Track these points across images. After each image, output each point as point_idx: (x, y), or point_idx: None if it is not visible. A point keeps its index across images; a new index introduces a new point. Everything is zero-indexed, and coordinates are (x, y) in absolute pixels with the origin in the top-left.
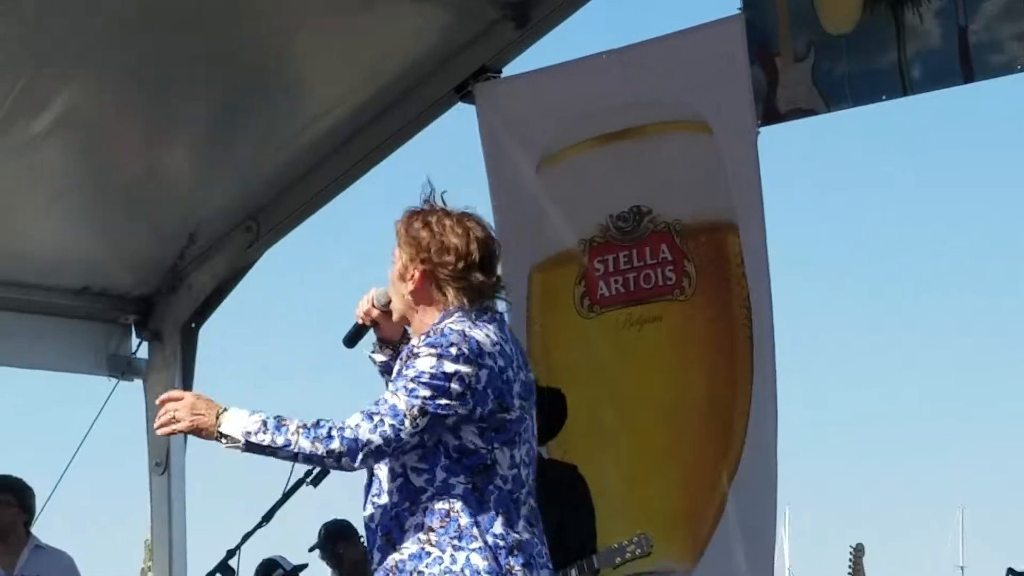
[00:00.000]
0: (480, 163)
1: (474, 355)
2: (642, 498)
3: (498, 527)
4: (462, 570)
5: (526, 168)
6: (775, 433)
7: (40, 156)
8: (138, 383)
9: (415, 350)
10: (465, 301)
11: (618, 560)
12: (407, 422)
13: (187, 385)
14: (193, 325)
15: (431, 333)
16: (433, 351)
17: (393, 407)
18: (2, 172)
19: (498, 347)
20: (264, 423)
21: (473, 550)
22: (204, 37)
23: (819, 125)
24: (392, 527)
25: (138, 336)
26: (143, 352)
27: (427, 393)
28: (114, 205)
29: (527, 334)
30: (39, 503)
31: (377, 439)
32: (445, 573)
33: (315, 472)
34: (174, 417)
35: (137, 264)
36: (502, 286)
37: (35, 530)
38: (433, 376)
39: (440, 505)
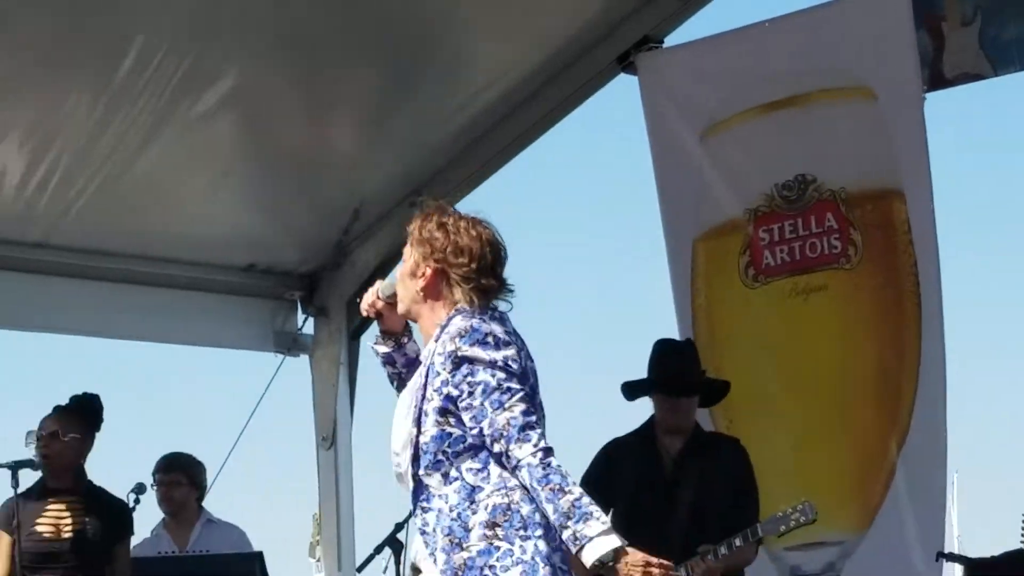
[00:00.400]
0: (641, 134)
1: (505, 338)
2: (810, 469)
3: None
4: (532, 558)
5: (689, 138)
6: (944, 400)
7: (206, 135)
8: (304, 358)
9: (460, 354)
10: (474, 300)
11: (782, 528)
12: (533, 418)
13: (352, 361)
14: (358, 300)
15: (462, 333)
16: (475, 344)
17: (515, 419)
18: (169, 151)
19: (511, 336)
20: (579, 519)
21: (539, 537)
22: (368, 9)
23: (986, 90)
24: (455, 527)
25: (304, 312)
26: (309, 328)
27: (514, 384)
28: (280, 182)
29: (691, 306)
30: (210, 478)
31: (545, 442)
32: (518, 564)
33: None
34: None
35: (302, 241)
36: (509, 289)
37: (206, 504)
38: (498, 368)
39: (499, 500)
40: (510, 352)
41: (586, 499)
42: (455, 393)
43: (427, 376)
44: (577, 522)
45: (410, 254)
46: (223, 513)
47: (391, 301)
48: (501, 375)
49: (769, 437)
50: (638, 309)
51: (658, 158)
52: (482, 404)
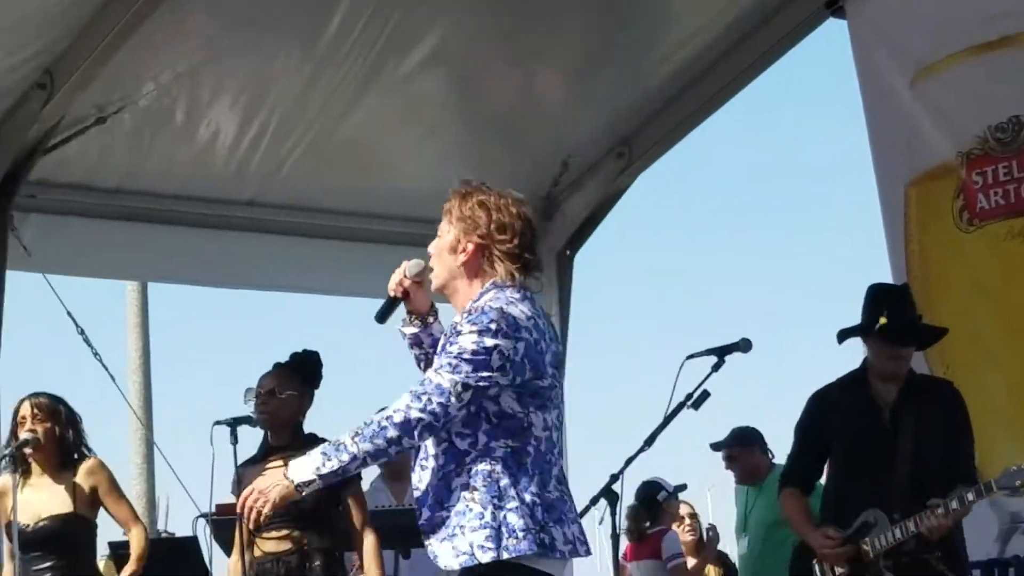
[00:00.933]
0: (848, 80)
1: (511, 329)
2: None
3: (534, 487)
4: (499, 527)
5: (900, 82)
6: None
7: (414, 91)
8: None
9: (457, 327)
10: (515, 276)
11: (1018, 483)
12: (453, 398)
13: (564, 313)
14: (568, 252)
15: (472, 311)
16: (474, 328)
17: (438, 386)
18: (378, 109)
19: (532, 321)
20: (324, 454)
21: (511, 509)
22: None
23: None
24: (440, 487)
25: None
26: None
27: (469, 368)
28: (488, 135)
29: (904, 251)
30: None
31: (427, 417)
32: (485, 527)
33: (696, 396)
34: (261, 503)
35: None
36: (540, 268)
37: None
38: (475, 352)
39: (483, 467)
40: (504, 343)
41: (344, 456)
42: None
43: (447, 343)
44: (327, 451)
45: (448, 230)
46: None
47: (419, 280)
48: (469, 355)
49: (985, 381)
50: (850, 258)
51: (868, 102)
52: (442, 357)
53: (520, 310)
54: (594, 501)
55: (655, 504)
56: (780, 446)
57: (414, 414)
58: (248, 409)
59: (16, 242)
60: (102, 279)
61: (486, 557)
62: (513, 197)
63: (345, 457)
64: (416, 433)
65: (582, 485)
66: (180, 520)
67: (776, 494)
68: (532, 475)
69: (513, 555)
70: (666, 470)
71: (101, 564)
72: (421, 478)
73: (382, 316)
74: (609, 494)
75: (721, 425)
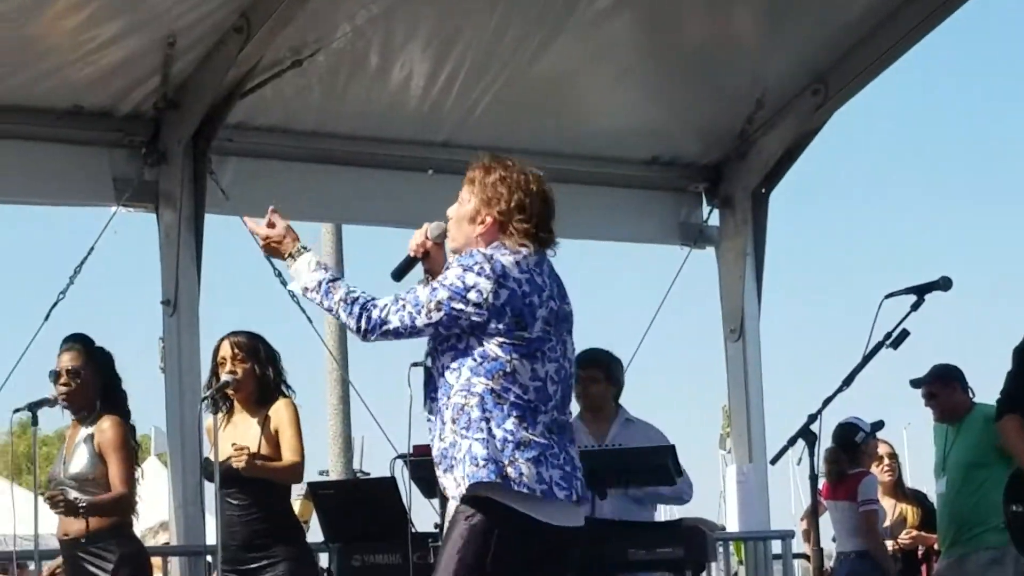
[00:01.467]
0: None
1: (496, 274)
2: None
3: (509, 424)
4: (464, 456)
5: None
6: None
7: (605, 32)
8: (710, 251)
9: (448, 264)
10: (525, 247)
11: None
12: (423, 312)
13: (759, 252)
14: (763, 191)
15: (466, 253)
16: (460, 265)
17: (416, 298)
18: (569, 51)
19: (527, 275)
20: (319, 284)
21: (476, 440)
22: None
23: None
24: (438, 418)
25: (708, 204)
26: (714, 220)
27: (446, 294)
28: (681, 74)
29: None
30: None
31: (396, 322)
32: (465, 458)
33: (896, 334)
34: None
35: (705, 132)
36: (555, 242)
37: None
38: (453, 284)
39: (458, 400)
40: (483, 283)
41: (325, 291)
42: None
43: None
44: (327, 281)
45: (469, 199)
46: (632, 406)
47: (440, 242)
48: (448, 284)
49: None
50: None
51: None
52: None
53: (514, 260)
54: (792, 442)
55: (853, 446)
56: (980, 386)
57: (387, 315)
58: None
59: (214, 185)
60: (297, 222)
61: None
62: (534, 174)
63: (327, 304)
64: (378, 332)
65: (778, 425)
66: (375, 461)
67: (976, 434)
68: (508, 415)
69: (472, 481)
70: (863, 409)
71: (297, 504)
72: (432, 408)
73: (400, 274)
74: (807, 434)
75: (918, 365)
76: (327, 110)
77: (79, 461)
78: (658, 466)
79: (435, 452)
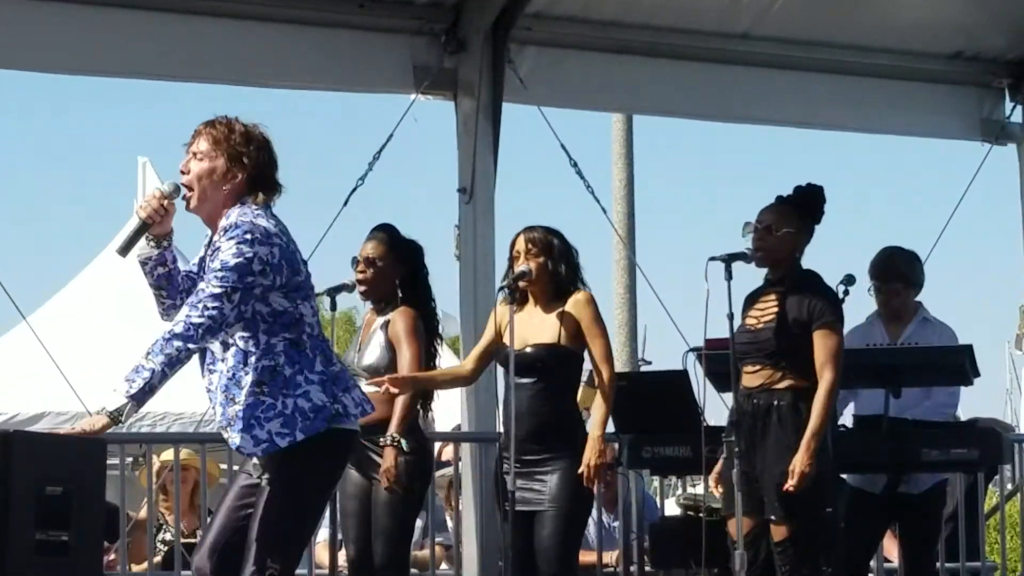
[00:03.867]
0: None
1: (264, 237)
2: None
3: (319, 365)
4: (292, 413)
5: None
6: None
7: None
8: (1011, 148)
9: (217, 244)
10: (259, 198)
11: None
12: (225, 302)
13: None
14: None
15: (227, 228)
16: (232, 240)
17: (211, 294)
18: None
19: (279, 227)
20: (128, 379)
21: (298, 395)
22: None
23: None
24: (230, 386)
25: (1012, 100)
26: (1016, 116)
27: (235, 276)
28: None
29: None
30: None
31: (206, 321)
32: (279, 416)
33: None
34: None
35: (1012, 27)
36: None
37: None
38: (237, 260)
39: (266, 363)
40: (261, 250)
41: (145, 373)
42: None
43: (209, 260)
44: (130, 376)
45: (215, 155)
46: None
47: (174, 199)
48: (232, 265)
49: None
50: None
51: None
52: (209, 272)
53: (267, 222)
54: None
55: None
56: None
57: (195, 320)
58: (743, 244)
59: (512, 74)
60: (587, 111)
61: (284, 442)
62: (262, 128)
63: (146, 375)
64: (199, 336)
65: None
66: (658, 349)
67: None
68: (314, 357)
69: (308, 434)
70: None
71: (579, 391)
72: (211, 380)
73: (127, 249)
74: None
75: None
76: (626, 0)
77: (372, 352)
78: (956, 366)
79: (222, 414)
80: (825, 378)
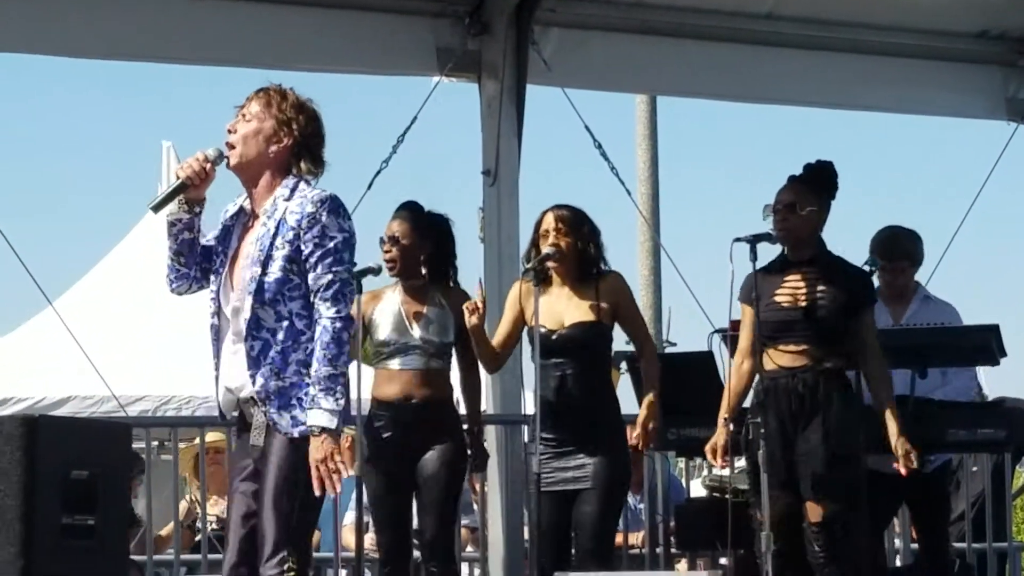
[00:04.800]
0: None
1: (347, 215)
2: None
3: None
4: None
5: None
6: None
7: None
8: None
9: (317, 215)
10: (312, 174)
11: None
12: (351, 288)
13: None
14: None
15: (318, 200)
16: (330, 213)
17: (344, 280)
18: None
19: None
20: (326, 393)
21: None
22: None
23: None
24: (277, 359)
25: None
26: None
27: (348, 254)
28: None
29: None
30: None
31: (347, 307)
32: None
33: None
34: (334, 468)
35: None
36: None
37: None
38: (345, 238)
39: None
40: (352, 225)
41: (340, 380)
42: (305, 248)
43: (278, 227)
44: (321, 389)
45: (264, 118)
46: (949, 283)
47: (218, 165)
48: (342, 243)
49: None
50: None
51: None
52: (319, 260)
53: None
54: None
55: None
56: None
57: (344, 311)
58: (766, 226)
59: (536, 56)
60: (611, 92)
61: (327, 426)
62: (315, 105)
63: (341, 381)
64: (349, 321)
65: None
66: (683, 331)
67: None
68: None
69: (342, 425)
70: None
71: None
72: (254, 347)
73: (161, 206)
74: None
75: None
76: None
77: (436, 327)
78: (983, 346)
79: (262, 386)
80: (882, 360)
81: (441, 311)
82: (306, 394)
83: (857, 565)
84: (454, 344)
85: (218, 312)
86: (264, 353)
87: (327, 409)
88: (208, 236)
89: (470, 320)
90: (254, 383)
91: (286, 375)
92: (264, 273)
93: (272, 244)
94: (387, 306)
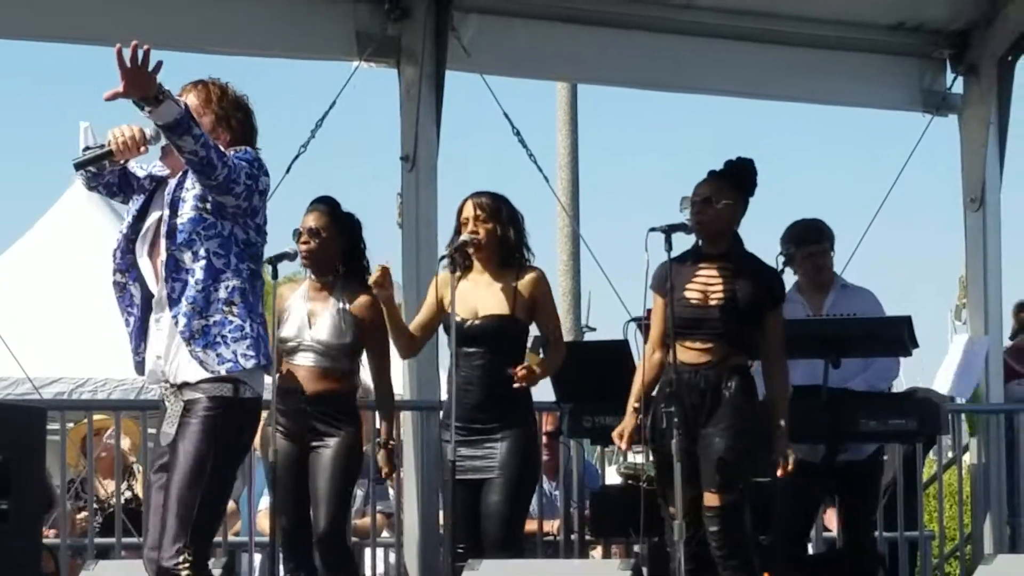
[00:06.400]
0: None
1: (264, 170)
2: None
3: (260, 308)
4: (256, 336)
5: None
6: None
7: None
8: (952, 119)
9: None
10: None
11: None
12: (242, 178)
13: (1003, 121)
14: (1010, 59)
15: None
16: (245, 161)
17: (237, 164)
18: None
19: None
20: (192, 119)
21: (257, 322)
22: None
23: None
24: (198, 298)
25: (953, 71)
26: (958, 87)
27: (247, 169)
28: None
29: None
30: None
31: (241, 186)
32: (246, 338)
33: None
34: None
35: None
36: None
37: (848, 271)
38: (251, 170)
39: (236, 283)
40: (261, 175)
41: (199, 132)
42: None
43: (185, 173)
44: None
45: (203, 114)
46: (865, 272)
47: (153, 145)
48: (246, 164)
49: None
50: None
51: None
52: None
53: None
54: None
55: None
56: None
57: (237, 177)
58: (683, 217)
59: (456, 42)
60: (532, 79)
61: (250, 364)
62: (248, 99)
63: (197, 131)
64: (227, 187)
65: (1017, 297)
66: (602, 317)
67: None
68: (259, 295)
69: (266, 361)
70: None
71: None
72: (175, 288)
73: (82, 166)
74: None
75: None
76: None
77: (328, 329)
78: (895, 337)
79: (185, 326)
80: (783, 362)
81: (340, 313)
82: (230, 331)
83: (753, 556)
84: (357, 346)
85: (128, 272)
86: (184, 293)
87: (174, 100)
88: (137, 170)
89: (379, 294)
90: (176, 323)
91: (208, 313)
92: (175, 215)
93: (180, 186)
94: (295, 302)
